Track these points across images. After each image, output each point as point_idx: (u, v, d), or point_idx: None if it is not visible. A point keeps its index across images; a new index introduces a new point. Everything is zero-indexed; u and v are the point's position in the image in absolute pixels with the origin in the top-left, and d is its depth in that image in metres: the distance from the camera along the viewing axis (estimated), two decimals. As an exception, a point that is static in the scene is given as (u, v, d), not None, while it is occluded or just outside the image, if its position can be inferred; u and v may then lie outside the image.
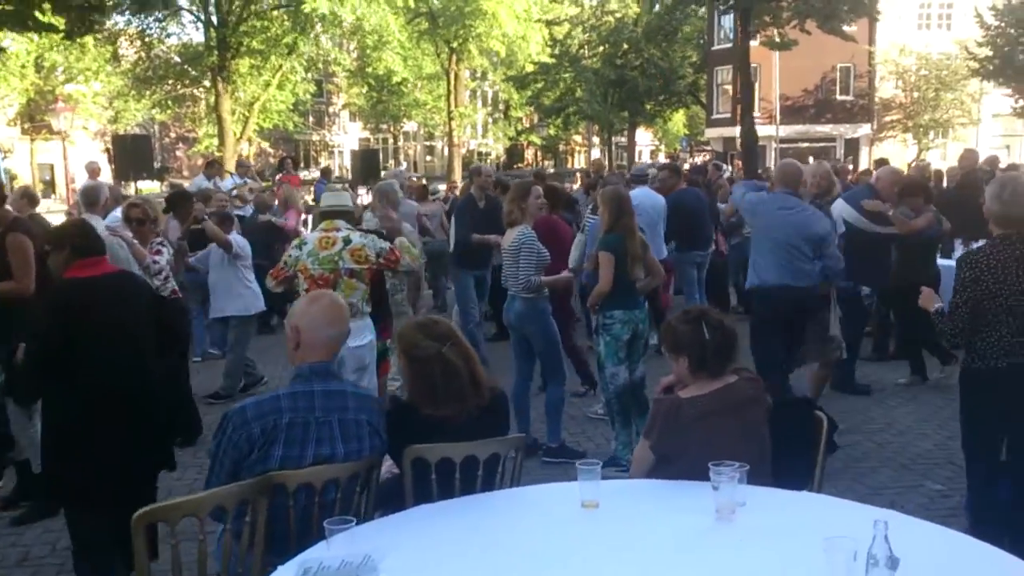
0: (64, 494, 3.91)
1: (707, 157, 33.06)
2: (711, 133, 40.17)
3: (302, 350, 3.10)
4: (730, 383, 3.23)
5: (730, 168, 21.60)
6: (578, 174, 21.98)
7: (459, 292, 8.53)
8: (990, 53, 31.94)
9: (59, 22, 14.63)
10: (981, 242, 4.11)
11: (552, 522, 2.83)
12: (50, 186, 37.17)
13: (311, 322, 3.10)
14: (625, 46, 36.84)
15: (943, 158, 32.92)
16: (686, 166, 19.36)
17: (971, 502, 4.10)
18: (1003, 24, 31.66)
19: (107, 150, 20.34)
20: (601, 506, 2.83)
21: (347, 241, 5.39)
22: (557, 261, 6.42)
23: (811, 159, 27.93)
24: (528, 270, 5.78)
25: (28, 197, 7.49)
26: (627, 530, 2.72)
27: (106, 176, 16.47)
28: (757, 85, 34.50)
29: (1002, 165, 14.57)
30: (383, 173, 10.25)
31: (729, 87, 36.23)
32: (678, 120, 51.28)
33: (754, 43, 22.58)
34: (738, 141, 22.35)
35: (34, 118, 33.81)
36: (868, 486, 5.40)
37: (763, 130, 32.19)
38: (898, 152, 34.94)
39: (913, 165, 18.01)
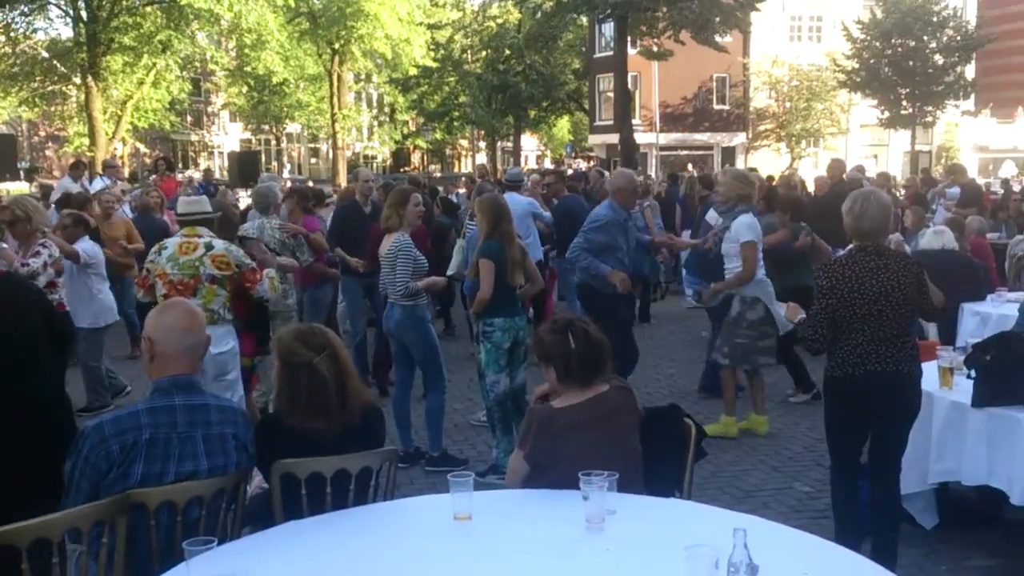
0: None
1: (591, 163, 33.60)
2: (595, 140, 40.92)
3: (158, 362, 2.97)
4: (601, 392, 3.25)
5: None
6: (463, 179, 21.98)
7: (347, 301, 8.29)
8: (857, 65, 33.62)
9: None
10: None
11: (424, 535, 2.81)
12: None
13: (166, 332, 2.98)
14: (507, 52, 37.17)
15: (815, 167, 34.43)
16: (570, 171, 19.64)
17: (834, 505, 4.27)
18: (869, 37, 33.37)
19: (-32, 151, 19.17)
20: (474, 518, 2.81)
21: (209, 247, 5.25)
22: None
23: (689, 166, 28.84)
24: (405, 276, 5.73)
25: None
26: (498, 541, 2.71)
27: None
28: (637, 93, 35.46)
29: (871, 174, 15.33)
30: (260, 178, 9.86)
31: (611, 94, 36.98)
32: (563, 126, 52.05)
33: (634, 51, 23.12)
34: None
35: None
36: (740, 489, 5.56)
37: (644, 137, 33.04)
38: (772, 160, 36.38)
39: (785, 174, 18.75)
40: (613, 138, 33.05)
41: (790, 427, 6.82)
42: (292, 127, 52.64)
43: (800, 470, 5.89)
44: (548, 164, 53.50)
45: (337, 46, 36.43)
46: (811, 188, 11.95)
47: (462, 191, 18.25)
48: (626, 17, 21.02)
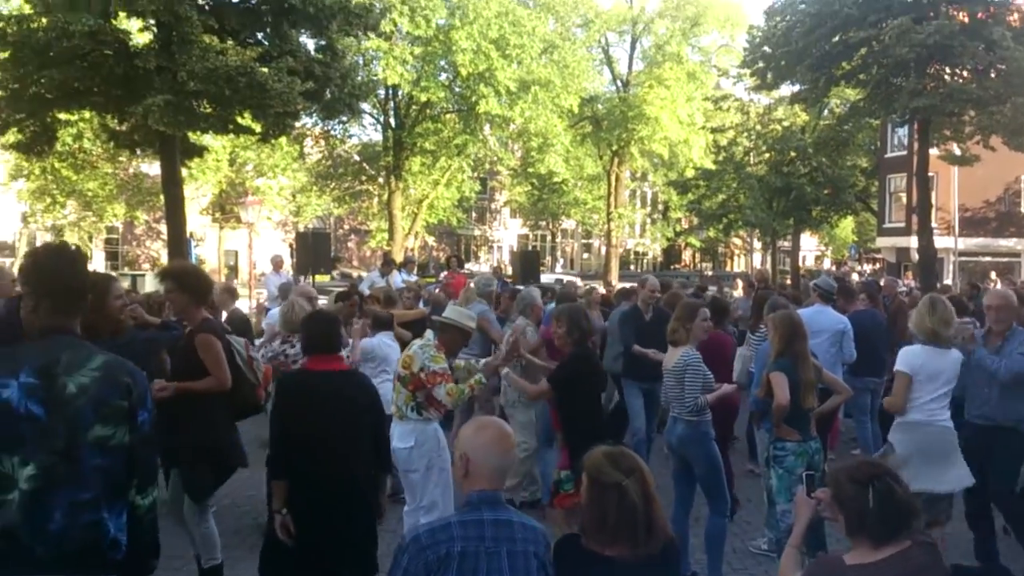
0: None
1: (877, 266, 31.72)
2: (883, 242, 38.70)
3: (471, 478, 3.09)
4: (902, 550, 2.91)
5: (908, 283, 20.60)
6: (737, 279, 21.51)
7: (628, 405, 8.26)
8: None
9: (257, 126, 15.82)
10: None
11: None
12: (234, 271, 39.80)
13: (481, 451, 3.07)
14: (792, 154, 36.30)
15: None
16: (854, 275, 18.63)
17: None
18: None
19: (291, 244, 21.74)
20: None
21: (410, 346, 5.70)
22: (719, 376, 6.21)
23: (993, 275, 26.41)
24: (694, 392, 5.64)
25: (229, 292, 8.77)
26: None
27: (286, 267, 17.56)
28: (934, 194, 33.18)
29: None
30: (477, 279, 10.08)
31: (903, 195, 34.94)
32: (846, 226, 49.81)
33: (934, 152, 21.66)
34: (913, 252, 21.30)
35: (224, 208, 36.43)
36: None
37: (940, 241, 30.75)
38: (1092, 269, 32.50)
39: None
40: (904, 241, 31.07)
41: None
42: (567, 223, 54.55)
43: None
44: (828, 265, 51.34)
45: (617, 147, 37.51)
46: None
47: (737, 293, 17.89)
48: (928, 121, 19.72)
